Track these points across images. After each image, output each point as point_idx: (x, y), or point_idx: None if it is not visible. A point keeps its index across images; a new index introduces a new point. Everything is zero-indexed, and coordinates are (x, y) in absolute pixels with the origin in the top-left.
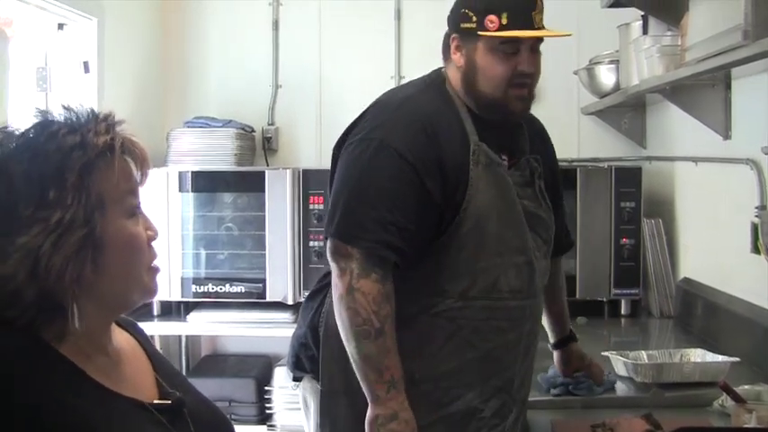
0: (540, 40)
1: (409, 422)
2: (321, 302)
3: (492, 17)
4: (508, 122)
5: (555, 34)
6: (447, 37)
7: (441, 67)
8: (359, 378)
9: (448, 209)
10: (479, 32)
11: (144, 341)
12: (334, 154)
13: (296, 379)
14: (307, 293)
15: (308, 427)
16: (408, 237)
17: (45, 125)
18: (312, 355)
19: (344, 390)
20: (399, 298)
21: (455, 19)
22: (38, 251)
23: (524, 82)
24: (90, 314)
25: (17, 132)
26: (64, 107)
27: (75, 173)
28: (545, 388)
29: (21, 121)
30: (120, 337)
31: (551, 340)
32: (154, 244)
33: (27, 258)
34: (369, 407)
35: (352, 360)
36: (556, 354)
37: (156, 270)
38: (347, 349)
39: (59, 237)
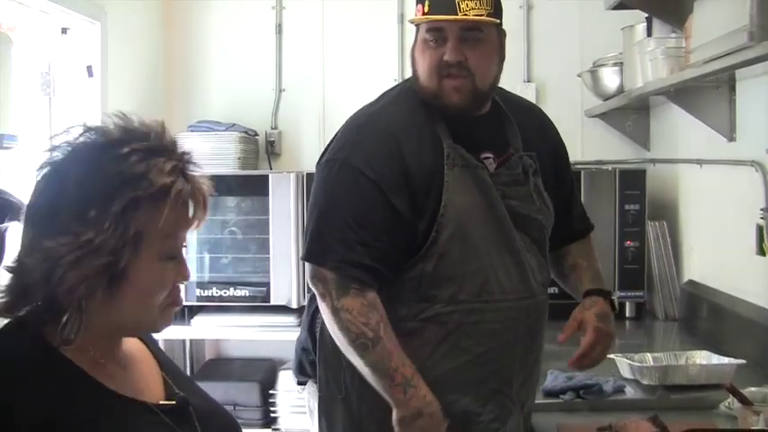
0: (473, 29)
1: (434, 414)
2: (317, 309)
3: (419, 6)
4: (459, 115)
5: (471, 19)
6: None
7: None
8: (375, 387)
9: (423, 219)
10: (413, 23)
11: (153, 345)
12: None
13: (300, 383)
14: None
15: (312, 431)
16: (377, 254)
17: (121, 142)
18: (313, 360)
19: (340, 395)
20: (388, 304)
21: None
22: (57, 260)
23: (451, 72)
24: (97, 329)
25: (94, 133)
26: (146, 125)
27: (122, 202)
28: (554, 393)
29: (25, 123)
30: (130, 342)
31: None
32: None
33: (45, 261)
34: (393, 410)
35: (363, 373)
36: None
37: (173, 307)
38: (354, 364)
39: (82, 255)
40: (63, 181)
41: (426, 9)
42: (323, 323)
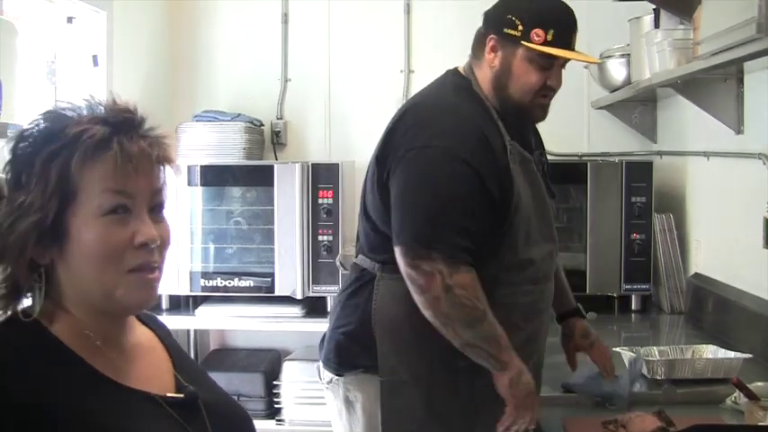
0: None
1: (526, 370)
2: (368, 298)
3: (539, 31)
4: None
5: (588, 60)
6: (482, 36)
7: (455, 68)
8: (479, 358)
9: (503, 208)
10: (523, 42)
11: (164, 336)
12: (378, 159)
13: (338, 375)
14: (323, 290)
15: (347, 424)
16: (477, 239)
17: (50, 114)
18: (365, 350)
19: (411, 379)
20: None
21: (497, 21)
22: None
23: (549, 94)
24: (75, 302)
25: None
26: (87, 98)
27: (41, 159)
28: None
29: (29, 113)
30: (139, 332)
31: (555, 315)
32: (150, 249)
33: None
34: (496, 376)
35: (466, 346)
36: (561, 329)
37: (139, 273)
38: (460, 339)
39: (17, 218)
40: (11, 164)
41: (550, 38)
42: (378, 314)
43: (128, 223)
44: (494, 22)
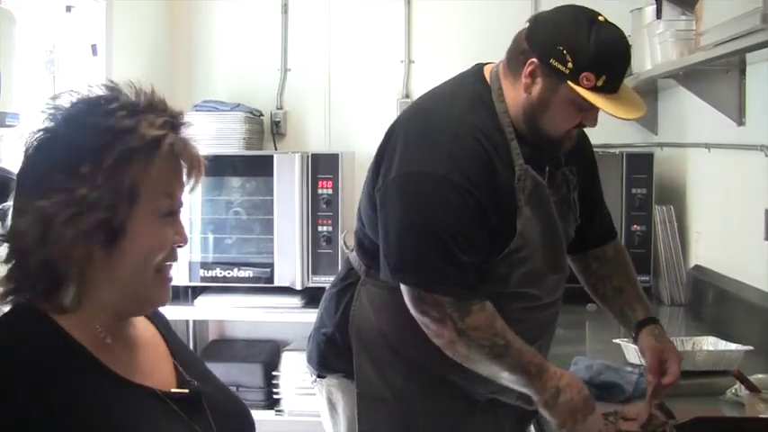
0: None
1: (572, 384)
2: (348, 303)
3: (590, 75)
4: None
5: (632, 118)
6: (523, 53)
7: (480, 68)
8: (511, 385)
9: (501, 235)
10: (570, 82)
11: (163, 328)
12: (373, 171)
13: (320, 376)
14: (322, 281)
15: (331, 423)
16: (482, 271)
17: (109, 99)
18: (343, 356)
19: (385, 396)
20: None
21: (545, 48)
22: (52, 218)
23: (577, 130)
24: (99, 299)
25: (83, 96)
26: (135, 87)
27: (113, 156)
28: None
29: (28, 101)
30: (140, 325)
31: (632, 323)
32: (178, 250)
33: (39, 222)
34: (535, 399)
35: (496, 378)
36: (639, 338)
37: (169, 267)
38: (486, 373)
39: (78, 212)
40: (52, 141)
41: (600, 84)
42: (358, 321)
43: (174, 224)
44: (540, 47)
